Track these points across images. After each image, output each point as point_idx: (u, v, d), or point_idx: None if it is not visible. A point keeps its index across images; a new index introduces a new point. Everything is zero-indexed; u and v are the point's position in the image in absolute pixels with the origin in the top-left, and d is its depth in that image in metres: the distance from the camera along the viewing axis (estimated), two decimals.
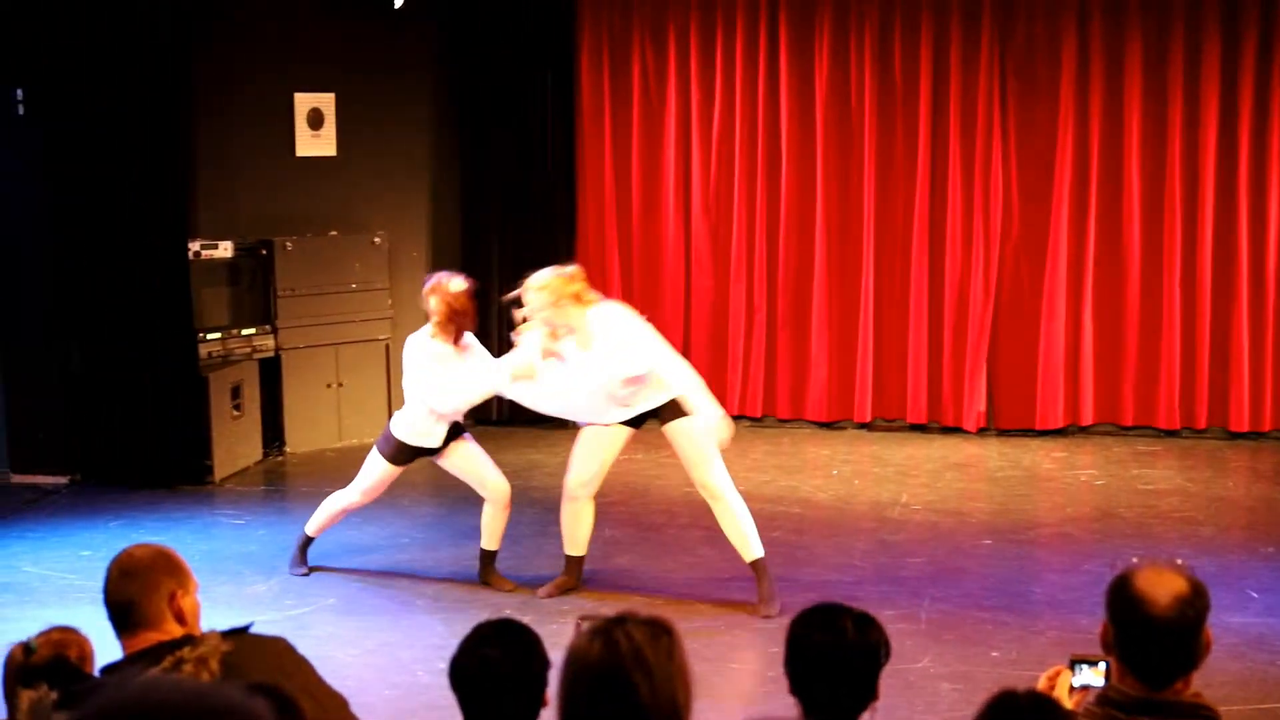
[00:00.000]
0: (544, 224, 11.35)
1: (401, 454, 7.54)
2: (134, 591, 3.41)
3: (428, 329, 7.49)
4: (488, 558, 7.67)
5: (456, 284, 7.48)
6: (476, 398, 7.50)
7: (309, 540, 7.82)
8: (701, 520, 8.85)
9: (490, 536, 7.66)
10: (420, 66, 11.13)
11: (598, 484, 7.43)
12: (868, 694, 3.34)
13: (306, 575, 7.75)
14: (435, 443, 7.52)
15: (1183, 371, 10.77)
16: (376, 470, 7.63)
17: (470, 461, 7.63)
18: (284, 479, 10.13)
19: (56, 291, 9.78)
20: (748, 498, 9.27)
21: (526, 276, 7.26)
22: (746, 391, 11.30)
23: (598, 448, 7.34)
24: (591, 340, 7.07)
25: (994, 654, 6.61)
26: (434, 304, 7.45)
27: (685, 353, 11.35)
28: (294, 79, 10.60)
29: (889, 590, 7.45)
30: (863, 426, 11.17)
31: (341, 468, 10.13)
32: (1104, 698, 3.19)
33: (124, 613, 3.42)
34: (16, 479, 9.91)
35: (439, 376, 7.36)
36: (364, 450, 10.57)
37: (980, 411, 10.98)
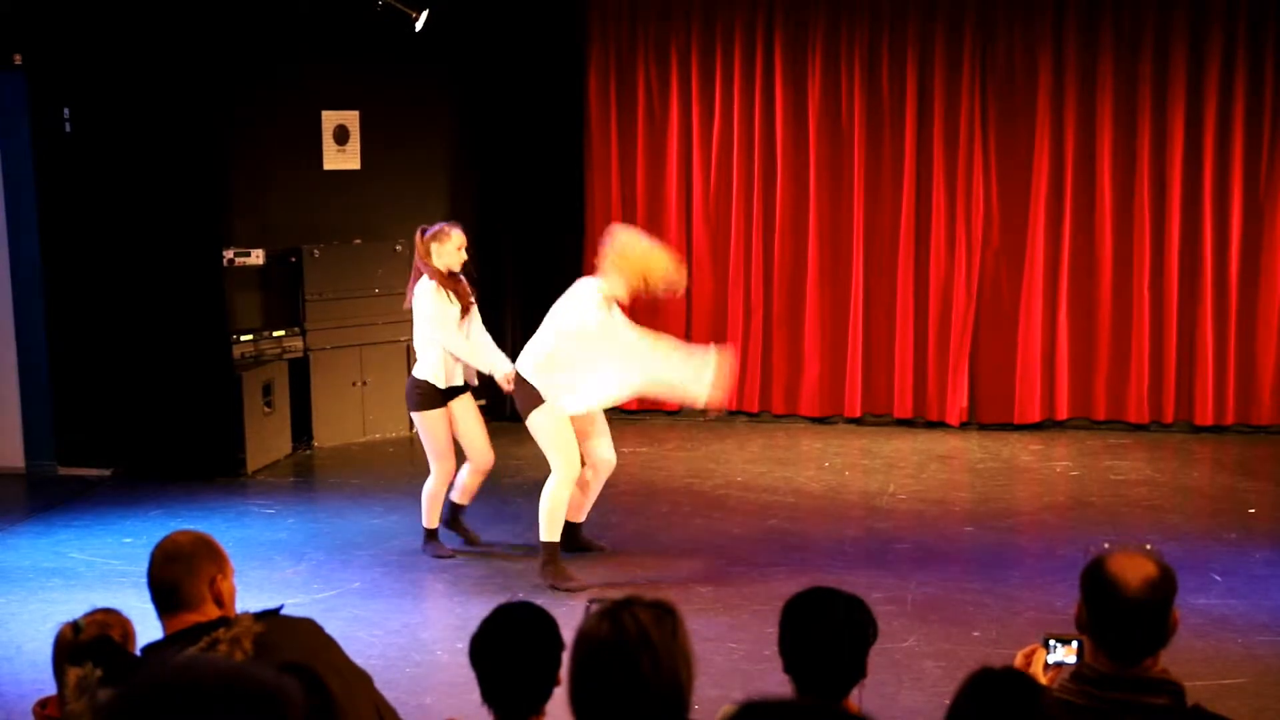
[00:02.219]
0: (554, 232, 11.35)
1: (437, 396, 7.65)
2: (177, 575, 3.41)
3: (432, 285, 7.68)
4: (458, 510, 7.94)
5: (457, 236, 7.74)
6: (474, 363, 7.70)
7: (432, 533, 7.87)
8: (702, 509, 8.87)
9: (463, 493, 7.90)
10: (438, 85, 11.13)
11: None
12: (857, 672, 3.34)
13: (452, 557, 7.78)
14: (460, 380, 7.71)
15: (1151, 369, 10.76)
16: (432, 427, 7.68)
17: (470, 420, 7.78)
18: (312, 471, 10.13)
19: (101, 296, 9.79)
20: (745, 488, 9.31)
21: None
22: (744, 388, 11.29)
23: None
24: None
25: (975, 633, 6.61)
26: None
27: None
28: (321, 98, 10.61)
29: (877, 574, 7.44)
30: (853, 421, 11.17)
31: (366, 461, 10.17)
32: (1077, 674, 3.18)
33: (167, 595, 3.41)
34: (63, 471, 9.91)
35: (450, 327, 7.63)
36: (387, 444, 10.66)
37: (962, 407, 10.97)
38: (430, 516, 7.87)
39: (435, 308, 7.58)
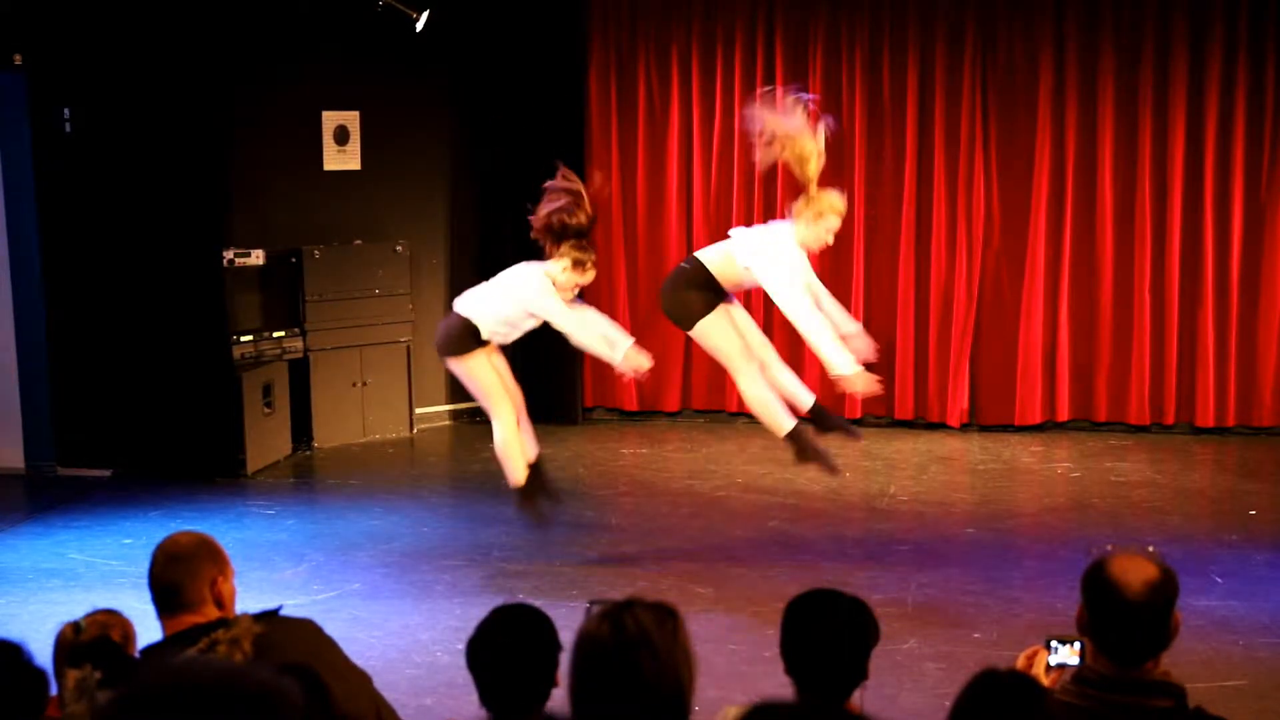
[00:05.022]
0: None
1: (470, 340, 7.45)
2: (179, 575, 3.41)
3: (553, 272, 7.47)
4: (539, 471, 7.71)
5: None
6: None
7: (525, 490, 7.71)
8: (703, 510, 8.87)
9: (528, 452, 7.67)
10: (439, 85, 11.13)
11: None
12: (858, 674, 3.34)
13: (547, 520, 7.67)
14: (502, 339, 7.55)
15: (1152, 371, 10.75)
16: (472, 371, 7.52)
17: (504, 369, 7.66)
18: (312, 472, 10.13)
19: (101, 297, 9.80)
20: (746, 489, 9.31)
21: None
22: None
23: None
24: None
25: (976, 635, 6.61)
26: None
27: (687, 355, 11.37)
28: (322, 98, 10.60)
29: (878, 575, 7.44)
30: (853, 422, 11.12)
31: (366, 462, 10.17)
32: (1079, 676, 3.18)
33: (168, 595, 3.41)
34: (63, 472, 9.91)
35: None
36: (387, 444, 10.65)
37: (963, 409, 10.96)
38: (514, 472, 7.61)
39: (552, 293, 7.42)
